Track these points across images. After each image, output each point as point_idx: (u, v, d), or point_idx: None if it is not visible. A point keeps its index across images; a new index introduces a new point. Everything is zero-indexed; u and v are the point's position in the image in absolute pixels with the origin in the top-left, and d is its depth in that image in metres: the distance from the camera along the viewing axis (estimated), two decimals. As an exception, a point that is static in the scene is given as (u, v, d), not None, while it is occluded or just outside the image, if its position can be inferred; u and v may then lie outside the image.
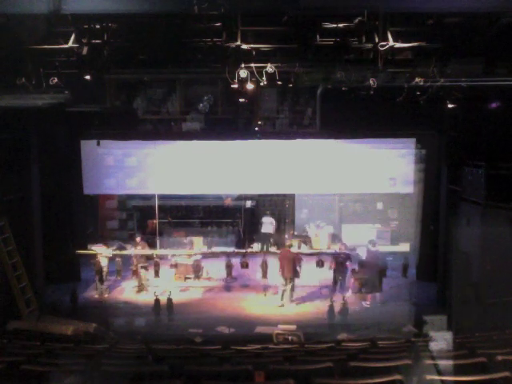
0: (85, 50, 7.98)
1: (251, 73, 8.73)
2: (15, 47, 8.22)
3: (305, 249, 16.32)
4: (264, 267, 14.57)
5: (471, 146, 11.96)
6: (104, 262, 13.93)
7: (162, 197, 16.47)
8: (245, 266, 14.29)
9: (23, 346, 8.00)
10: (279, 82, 9.72)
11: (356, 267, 13.37)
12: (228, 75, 8.75)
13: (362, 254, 13.38)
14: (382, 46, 7.82)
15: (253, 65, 8.70)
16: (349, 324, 11.94)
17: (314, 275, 14.34)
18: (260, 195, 16.98)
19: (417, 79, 9.16)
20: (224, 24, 7.88)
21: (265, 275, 14.55)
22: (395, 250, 15.98)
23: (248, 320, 12.17)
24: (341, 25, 7.76)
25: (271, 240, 16.66)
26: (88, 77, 8.91)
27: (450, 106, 11.16)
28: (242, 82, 8.91)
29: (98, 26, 7.94)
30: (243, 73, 8.60)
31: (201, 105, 13.15)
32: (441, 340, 7.17)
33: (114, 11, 6.99)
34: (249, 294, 13.90)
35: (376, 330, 10.90)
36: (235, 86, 9.05)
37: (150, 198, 16.81)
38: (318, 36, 8.00)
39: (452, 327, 9.39)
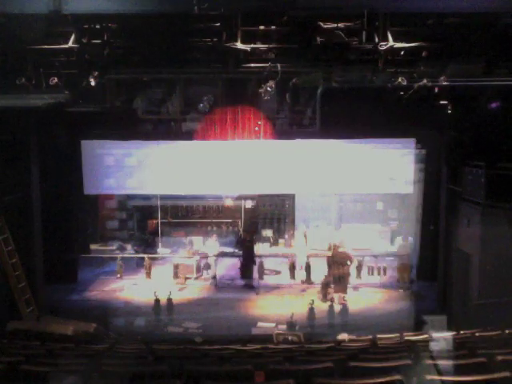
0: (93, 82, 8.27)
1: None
2: (15, 47, 8.22)
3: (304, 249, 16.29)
4: (261, 268, 14.59)
5: (471, 146, 11.95)
6: None
7: (161, 197, 16.44)
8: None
9: (23, 346, 7.98)
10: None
11: None
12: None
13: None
14: (382, 45, 7.83)
15: (253, 65, 8.71)
16: (349, 324, 11.94)
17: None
18: (260, 195, 16.96)
19: (417, 79, 9.17)
20: (224, 24, 7.89)
21: (261, 276, 14.56)
22: (395, 251, 15.94)
23: (248, 320, 12.17)
24: (341, 25, 7.77)
25: (271, 240, 16.71)
26: (92, 81, 8.92)
27: (450, 106, 11.15)
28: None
29: (97, 26, 7.95)
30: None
31: (201, 105, 13.10)
32: (441, 340, 7.15)
33: (114, 11, 7.00)
34: (249, 293, 13.91)
35: (376, 330, 10.88)
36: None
37: (149, 198, 16.79)
38: (317, 36, 8.00)
39: (452, 327, 9.39)
